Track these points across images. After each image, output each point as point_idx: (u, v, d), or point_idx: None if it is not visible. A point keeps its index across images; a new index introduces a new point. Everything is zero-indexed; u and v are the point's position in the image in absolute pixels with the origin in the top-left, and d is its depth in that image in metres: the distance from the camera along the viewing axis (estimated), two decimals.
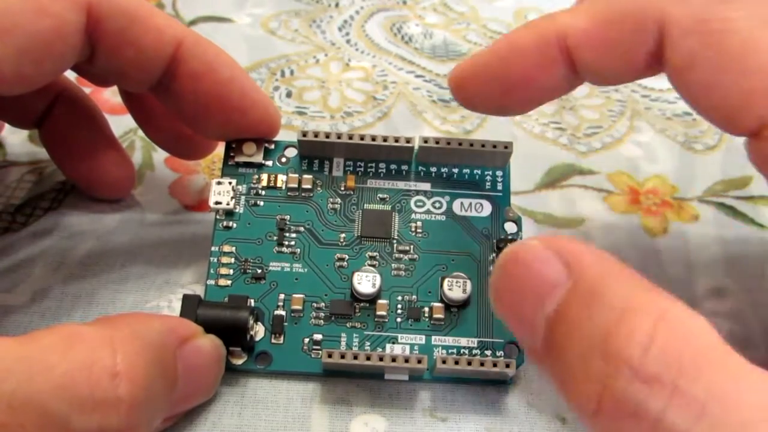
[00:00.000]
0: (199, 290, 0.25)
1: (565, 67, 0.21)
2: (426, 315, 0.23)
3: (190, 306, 0.22)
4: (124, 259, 0.26)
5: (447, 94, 0.35)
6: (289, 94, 0.34)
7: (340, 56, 0.37)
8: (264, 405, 0.23)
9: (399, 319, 0.23)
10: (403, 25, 0.39)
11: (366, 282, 0.23)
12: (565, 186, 0.31)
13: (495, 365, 0.21)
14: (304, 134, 0.24)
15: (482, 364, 0.21)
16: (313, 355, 0.23)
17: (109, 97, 0.29)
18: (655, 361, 0.14)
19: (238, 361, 0.23)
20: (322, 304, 0.23)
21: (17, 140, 0.31)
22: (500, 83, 0.22)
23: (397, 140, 0.24)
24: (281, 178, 0.25)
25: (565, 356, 0.15)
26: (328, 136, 0.24)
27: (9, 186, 0.29)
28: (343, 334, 0.23)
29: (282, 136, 0.26)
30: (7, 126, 0.30)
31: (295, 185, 0.25)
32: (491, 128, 0.33)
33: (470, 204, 0.25)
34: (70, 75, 0.26)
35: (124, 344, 0.17)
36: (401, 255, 0.24)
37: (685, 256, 0.28)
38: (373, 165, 0.25)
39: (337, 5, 0.40)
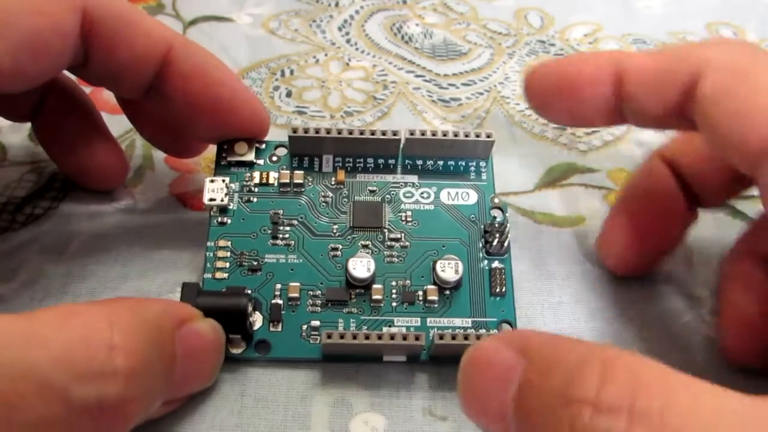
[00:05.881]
0: None
1: (611, 89, 0.23)
2: (420, 298, 0.24)
3: (190, 293, 0.22)
4: (124, 259, 0.26)
5: (447, 93, 0.35)
6: (289, 94, 0.34)
7: (340, 56, 0.37)
8: (264, 404, 0.23)
9: (394, 303, 0.24)
10: (403, 24, 0.39)
11: (361, 266, 0.23)
12: (566, 185, 0.31)
13: None
14: (294, 130, 0.25)
15: (478, 339, 0.22)
16: (311, 341, 0.23)
17: (110, 97, 0.29)
18: (609, 394, 0.15)
19: (238, 350, 0.23)
20: (318, 292, 0.24)
21: (17, 139, 0.31)
22: (556, 83, 0.24)
23: (384, 133, 0.25)
24: (273, 175, 0.25)
25: (536, 422, 0.17)
26: (317, 131, 0.25)
27: (9, 185, 0.29)
28: (340, 320, 0.24)
29: (279, 136, 0.26)
30: (7, 125, 0.30)
31: (287, 181, 0.25)
32: (491, 128, 0.33)
33: (457, 193, 0.26)
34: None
35: (121, 319, 0.18)
36: (393, 243, 0.25)
37: (685, 255, 0.28)
38: (362, 160, 0.26)
39: (337, 5, 0.40)
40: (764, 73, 0.20)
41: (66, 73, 0.26)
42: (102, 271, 0.26)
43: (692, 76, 0.22)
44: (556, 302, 0.26)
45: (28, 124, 0.29)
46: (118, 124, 0.29)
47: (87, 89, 0.29)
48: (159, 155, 0.31)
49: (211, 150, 0.27)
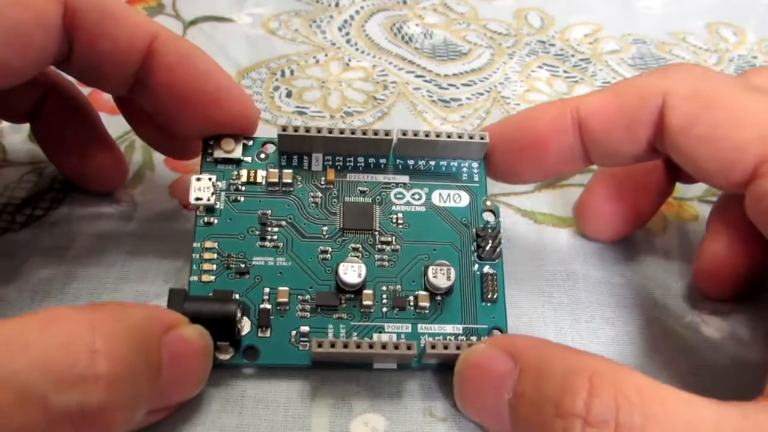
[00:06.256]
0: None
1: (575, 137, 0.24)
2: (411, 304, 0.24)
3: (177, 299, 0.22)
4: (124, 259, 0.26)
5: (447, 94, 0.35)
6: (289, 94, 0.34)
7: (340, 56, 0.37)
8: (264, 405, 0.23)
9: (385, 309, 0.24)
10: (403, 25, 0.39)
11: (352, 272, 0.23)
12: (566, 186, 0.31)
13: None
14: (284, 128, 0.24)
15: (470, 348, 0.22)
16: (300, 348, 0.23)
17: (110, 97, 0.29)
18: (597, 408, 0.17)
19: (225, 356, 0.23)
20: (308, 297, 0.23)
21: (17, 140, 0.31)
22: (516, 143, 0.25)
23: (376, 133, 0.24)
24: (261, 173, 0.25)
25: (531, 427, 0.19)
26: (307, 130, 0.24)
27: (9, 186, 0.29)
28: (330, 326, 0.23)
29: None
30: (7, 125, 0.30)
31: (275, 180, 0.25)
32: None
33: (448, 195, 0.25)
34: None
35: (104, 324, 0.17)
36: (384, 246, 0.24)
37: (684, 255, 0.28)
38: (352, 159, 0.26)
39: (337, 5, 0.40)
40: (728, 98, 0.21)
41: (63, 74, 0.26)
42: (102, 272, 0.26)
43: (658, 109, 0.22)
44: (556, 302, 0.26)
45: (28, 125, 0.29)
46: (117, 124, 0.29)
47: (86, 90, 0.29)
48: (159, 156, 0.31)
49: None
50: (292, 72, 0.35)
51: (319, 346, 0.21)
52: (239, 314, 0.22)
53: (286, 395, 0.23)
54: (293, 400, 0.23)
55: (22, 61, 0.21)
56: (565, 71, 0.37)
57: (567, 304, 0.26)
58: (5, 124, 0.31)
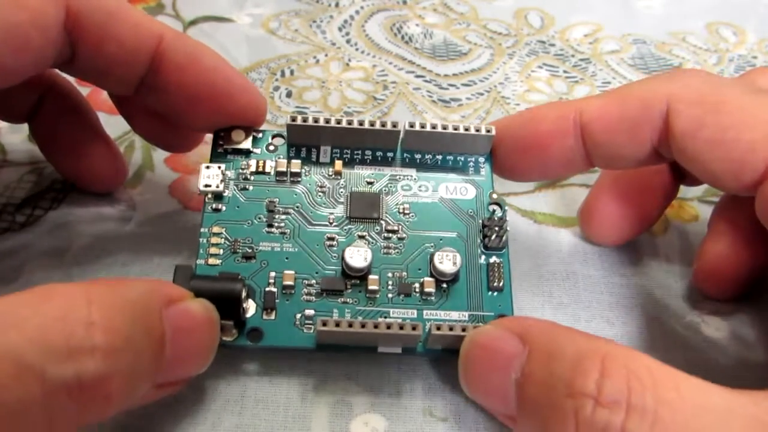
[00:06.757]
0: None
1: (576, 140, 0.24)
2: (417, 290, 0.24)
3: (183, 276, 0.22)
4: (125, 259, 0.26)
5: (447, 94, 0.35)
6: (289, 94, 0.34)
7: (340, 56, 0.37)
8: (264, 405, 0.23)
9: (390, 295, 0.24)
10: (403, 25, 0.39)
11: (358, 256, 0.23)
12: (566, 185, 0.31)
13: None
14: (293, 119, 0.24)
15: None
16: (305, 330, 0.23)
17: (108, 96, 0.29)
18: (608, 389, 0.17)
19: (229, 338, 0.22)
20: (314, 282, 0.24)
21: (17, 140, 0.31)
22: (518, 143, 0.25)
23: (383, 125, 0.25)
24: (269, 163, 0.25)
25: (539, 408, 0.18)
26: (317, 120, 0.24)
27: (9, 186, 0.29)
28: (335, 310, 0.23)
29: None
30: (7, 125, 0.30)
31: (284, 169, 0.25)
32: None
33: (455, 188, 0.25)
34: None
35: (100, 297, 0.17)
36: (390, 234, 0.25)
37: (685, 255, 0.28)
38: (360, 152, 0.26)
39: (337, 5, 0.40)
40: (733, 101, 0.21)
41: (62, 74, 0.26)
42: (102, 272, 0.26)
43: (662, 115, 0.22)
44: (556, 303, 0.26)
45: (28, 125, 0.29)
46: (117, 124, 0.29)
47: (85, 90, 0.29)
48: (159, 156, 0.31)
49: (209, 150, 0.27)
50: (292, 72, 0.35)
51: (324, 324, 0.21)
52: (244, 293, 0.22)
53: (286, 395, 0.23)
54: (293, 400, 0.23)
55: (17, 61, 0.21)
56: (565, 71, 0.37)
57: (567, 303, 0.26)
58: (4, 124, 0.31)
